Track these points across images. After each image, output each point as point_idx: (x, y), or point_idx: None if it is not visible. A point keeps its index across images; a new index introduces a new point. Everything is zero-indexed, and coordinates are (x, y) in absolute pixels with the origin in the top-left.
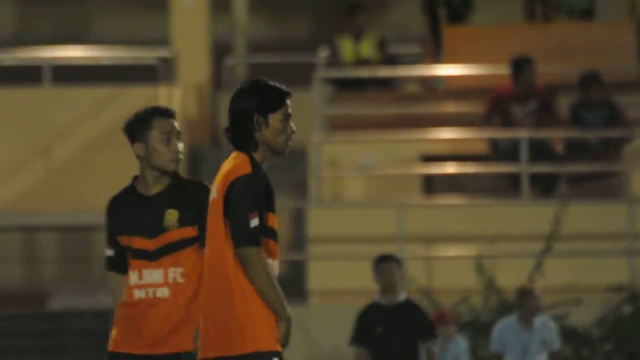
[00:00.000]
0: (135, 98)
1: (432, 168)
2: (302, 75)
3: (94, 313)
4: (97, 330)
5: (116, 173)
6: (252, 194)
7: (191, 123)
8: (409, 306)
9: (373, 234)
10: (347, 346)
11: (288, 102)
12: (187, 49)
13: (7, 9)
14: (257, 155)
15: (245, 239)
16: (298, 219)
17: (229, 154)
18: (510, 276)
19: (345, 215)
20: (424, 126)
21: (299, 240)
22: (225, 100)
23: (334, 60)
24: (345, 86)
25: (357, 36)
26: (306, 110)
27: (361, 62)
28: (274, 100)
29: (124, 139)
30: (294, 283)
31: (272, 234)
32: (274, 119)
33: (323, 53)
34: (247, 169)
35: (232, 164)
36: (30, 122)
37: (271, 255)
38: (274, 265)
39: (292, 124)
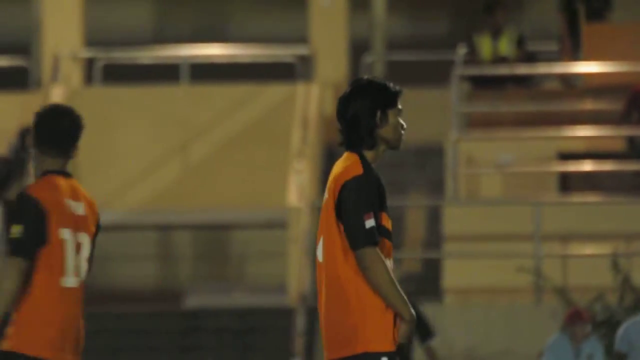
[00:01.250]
0: (273, 96)
1: (568, 166)
2: (439, 73)
3: (229, 311)
4: (233, 328)
5: (253, 171)
6: (366, 195)
7: (328, 121)
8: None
9: (509, 232)
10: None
11: (399, 99)
12: (325, 46)
13: (146, 7)
14: (372, 153)
15: (363, 240)
16: (434, 217)
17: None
18: None
19: (481, 213)
20: (561, 124)
21: (434, 238)
22: None
23: (472, 58)
24: (483, 84)
25: (495, 34)
26: (443, 107)
27: (499, 59)
28: (391, 96)
29: (261, 137)
30: (429, 281)
31: (386, 233)
32: (392, 115)
33: (461, 50)
34: (358, 170)
35: (344, 165)
36: (168, 120)
37: (387, 254)
38: (390, 264)
39: (402, 120)
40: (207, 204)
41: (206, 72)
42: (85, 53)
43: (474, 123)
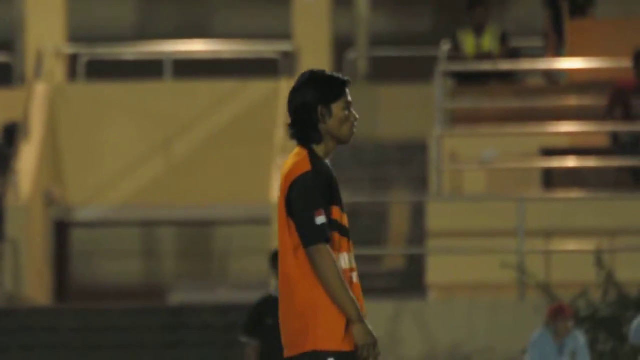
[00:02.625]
0: (257, 92)
1: (552, 162)
2: (423, 69)
3: (213, 307)
4: (216, 324)
5: (237, 167)
6: (315, 191)
7: None
8: None
9: (492, 228)
10: (239, 337)
11: (347, 90)
12: (309, 43)
13: (129, 3)
14: (321, 148)
15: (313, 237)
16: (417, 213)
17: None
18: (630, 270)
19: (465, 209)
20: (545, 120)
21: (418, 234)
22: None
23: (456, 54)
24: (467, 80)
25: (479, 30)
26: (427, 103)
27: (483, 55)
28: (335, 89)
29: (244, 134)
30: (413, 277)
31: (339, 227)
32: (337, 108)
33: (444, 47)
34: (307, 166)
35: (293, 162)
36: (152, 116)
37: (339, 249)
38: (344, 259)
39: (354, 112)
40: (190, 200)
41: (189, 68)
42: (69, 49)
43: (457, 119)
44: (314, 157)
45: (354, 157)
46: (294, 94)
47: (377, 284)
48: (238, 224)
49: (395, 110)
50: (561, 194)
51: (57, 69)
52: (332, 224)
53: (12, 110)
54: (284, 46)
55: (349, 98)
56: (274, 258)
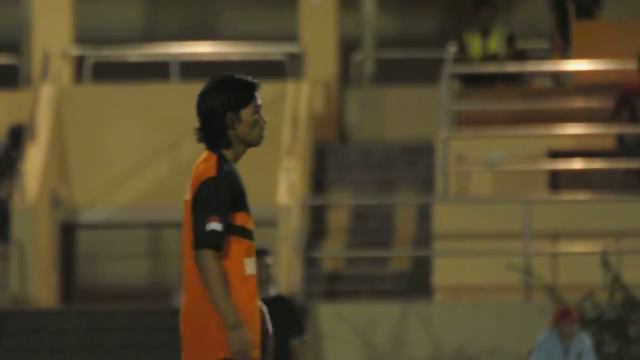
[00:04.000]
0: (263, 94)
1: (559, 164)
2: (429, 71)
3: None
4: None
5: (243, 169)
6: (216, 198)
7: (318, 119)
8: (281, 301)
9: (499, 230)
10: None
11: (257, 93)
12: (315, 44)
13: (136, 5)
14: (230, 152)
15: (201, 242)
16: (423, 215)
17: (355, 150)
18: (636, 272)
19: (471, 211)
20: (551, 122)
21: (424, 236)
22: (353, 96)
23: (462, 56)
24: (473, 82)
25: (485, 31)
26: (433, 105)
27: (489, 57)
28: (244, 94)
29: None
30: (419, 279)
31: (242, 233)
32: (246, 113)
33: (451, 48)
34: (212, 172)
35: (201, 166)
36: (158, 118)
37: (242, 254)
38: (248, 264)
39: (263, 115)
40: None
41: (196, 70)
42: (75, 51)
43: (464, 121)
44: (221, 163)
45: (360, 159)
46: (202, 99)
47: (384, 286)
48: None
49: (402, 112)
50: (567, 196)
51: (63, 71)
52: (236, 230)
53: (18, 112)
54: (290, 48)
55: (259, 101)
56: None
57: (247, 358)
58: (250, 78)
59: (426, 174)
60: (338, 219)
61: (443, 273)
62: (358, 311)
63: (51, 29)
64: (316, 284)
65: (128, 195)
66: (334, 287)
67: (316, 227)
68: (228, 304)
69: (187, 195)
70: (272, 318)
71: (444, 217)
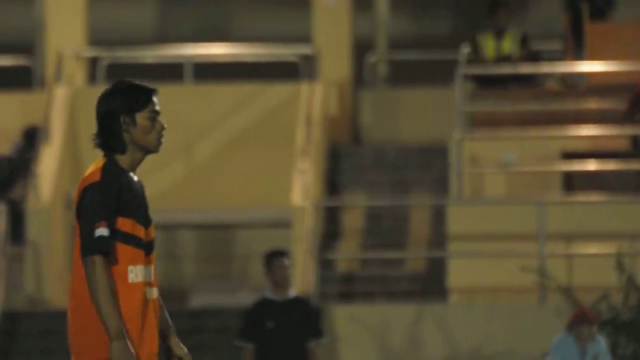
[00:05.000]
0: (277, 95)
1: (572, 165)
2: (443, 72)
3: (233, 311)
4: (237, 328)
5: (257, 171)
6: (99, 203)
7: (332, 120)
8: (300, 302)
9: (513, 231)
10: (235, 341)
11: (155, 99)
12: (329, 46)
13: (150, 6)
14: (126, 157)
15: (89, 248)
16: (438, 216)
17: (369, 151)
18: None
19: (485, 212)
20: (565, 123)
21: (438, 238)
22: (367, 98)
23: (475, 57)
24: (487, 83)
25: (499, 33)
26: (447, 107)
27: (502, 58)
28: (140, 98)
29: (265, 136)
30: (434, 281)
31: (127, 239)
32: (141, 117)
33: (464, 50)
34: (96, 177)
35: (89, 170)
36: (171, 120)
37: (127, 261)
38: (139, 271)
39: (161, 121)
40: (211, 204)
41: (210, 71)
42: (89, 52)
43: (477, 122)
44: (108, 168)
45: (374, 160)
46: (99, 102)
47: (398, 287)
48: (259, 227)
49: (415, 113)
50: (581, 197)
51: (77, 72)
52: (119, 236)
53: (32, 113)
54: (304, 49)
55: (157, 107)
56: (268, 260)
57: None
58: (147, 85)
59: (440, 175)
60: (352, 220)
61: (458, 274)
62: (372, 313)
63: (65, 30)
64: (331, 286)
65: None
66: (348, 288)
67: (330, 229)
68: (112, 313)
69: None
70: (290, 319)
71: (458, 219)
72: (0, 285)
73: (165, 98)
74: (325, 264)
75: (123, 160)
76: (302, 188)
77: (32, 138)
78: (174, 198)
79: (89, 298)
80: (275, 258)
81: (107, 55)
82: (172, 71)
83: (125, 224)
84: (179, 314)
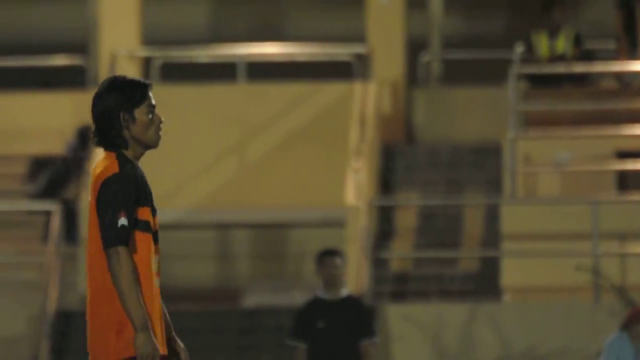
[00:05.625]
0: (330, 95)
1: (626, 164)
2: (496, 72)
3: (287, 310)
4: (290, 327)
5: (310, 170)
6: (121, 193)
7: (385, 119)
8: (352, 302)
9: (567, 231)
10: (287, 341)
11: (150, 93)
12: (383, 45)
13: (203, 6)
14: (129, 153)
15: (112, 239)
16: (491, 216)
17: (423, 150)
18: None
19: (539, 211)
20: (619, 122)
21: (492, 237)
22: (420, 97)
23: (529, 56)
24: (540, 82)
25: (553, 32)
26: (501, 106)
27: (556, 58)
28: (137, 94)
29: (318, 136)
30: (488, 280)
31: (147, 227)
32: (140, 113)
33: (518, 49)
34: (114, 168)
35: (102, 165)
36: (225, 119)
37: (148, 249)
38: (154, 261)
39: (158, 114)
40: (264, 203)
41: (263, 70)
42: (143, 52)
43: (531, 122)
44: (122, 160)
45: (428, 160)
46: (96, 101)
47: (452, 287)
48: (312, 227)
49: (469, 112)
50: (636, 196)
51: (130, 72)
52: (141, 225)
53: (85, 113)
54: (357, 48)
55: (153, 101)
56: (320, 259)
57: None
58: (141, 79)
59: (494, 174)
60: (406, 219)
61: (511, 274)
62: (426, 312)
63: (118, 30)
64: (384, 285)
65: (196, 196)
66: (402, 287)
67: (384, 228)
68: (139, 305)
69: (90, 197)
70: (342, 319)
71: (512, 218)
72: (54, 285)
73: (219, 98)
74: (378, 263)
75: (128, 154)
76: (356, 187)
77: (85, 137)
78: (227, 197)
79: (103, 296)
80: (327, 257)
81: (161, 55)
82: (225, 71)
83: (144, 213)
84: (232, 313)
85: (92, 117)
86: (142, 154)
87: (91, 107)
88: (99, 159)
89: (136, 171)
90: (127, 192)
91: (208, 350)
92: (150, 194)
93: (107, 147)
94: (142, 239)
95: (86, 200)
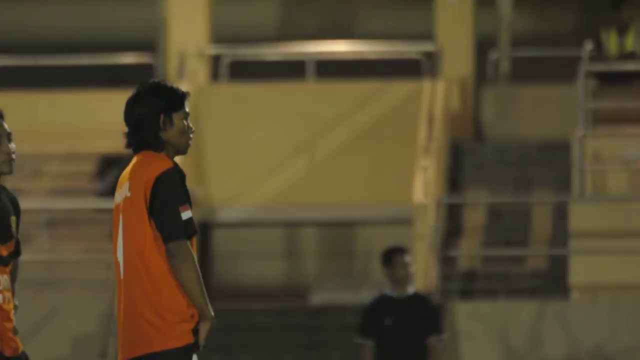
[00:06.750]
0: (399, 92)
1: None
2: (565, 69)
3: (355, 308)
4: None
5: (378, 168)
6: (180, 187)
7: (454, 117)
8: (419, 299)
9: (636, 228)
10: (354, 338)
11: (186, 102)
12: (451, 43)
13: (272, 4)
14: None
15: (178, 232)
16: (560, 213)
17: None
18: None
19: (608, 209)
20: None
21: (561, 235)
22: (489, 95)
23: (598, 54)
24: (610, 80)
25: (622, 29)
26: (570, 104)
27: (625, 55)
28: (177, 99)
29: (387, 134)
30: (556, 278)
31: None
32: (177, 118)
33: (587, 47)
34: (166, 164)
35: (149, 161)
36: (294, 117)
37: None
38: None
39: (191, 124)
40: (332, 201)
41: (332, 69)
42: (212, 50)
43: (600, 119)
44: (169, 157)
45: (497, 158)
46: (135, 102)
47: (520, 285)
48: (380, 225)
49: (538, 110)
50: None
51: (199, 70)
52: None
53: None
54: (426, 46)
55: (187, 110)
56: (388, 257)
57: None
58: (180, 87)
59: (562, 172)
60: (474, 217)
61: (580, 271)
62: (494, 310)
63: (187, 28)
64: (452, 283)
65: (264, 194)
66: (470, 285)
67: (452, 226)
68: (205, 295)
69: (128, 193)
70: (410, 316)
71: (580, 216)
72: None
73: (287, 96)
74: (446, 261)
75: None
76: (424, 185)
77: None
78: (296, 195)
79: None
80: (395, 255)
81: (230, 53)
82: (294, 69)
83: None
84: (300, 311)
85: (126, 120)
86: (172, 159)
87: (126, 110)
88: (139, 159)
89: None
90: (183, 187)
91: (275, 348)
92: (189, 194)
93: (142, 149)
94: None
95: None
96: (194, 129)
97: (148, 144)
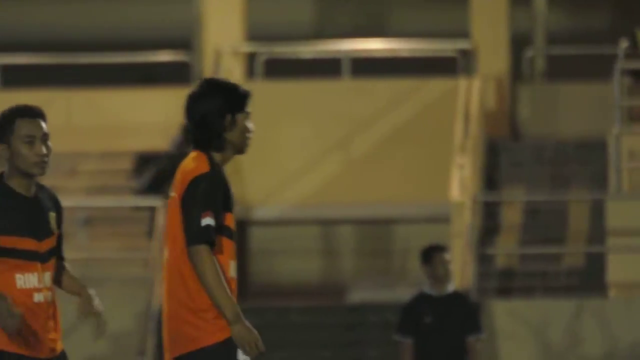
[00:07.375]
0: (435, 90)
1: None
2: (601, 67)
3: (393, 306)
4: (396, 323)
5: (415, 166)
6: (209, 193)
7: (490, 115)
8: (458, 297)
9: None
10: (393, 336)
11: (248, 102)
12: (487, 40)
13: (307, 2)
14: (220, 155)
15: (196, 237)
16: (597, 211)
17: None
18: None
19: None
20: None
21: (597, 233)
22: (525, 92)
23: (634, 52)
24: None
25: None
26: (605, 101)
27: None
28: (242, 99)
29: (423, 131)
30: (593, 276)
31: (231, 234)
32: (241, 118)
33: (623, 44)
34: (205, 167)
35: (192, 163)
36: (329, 115)
37: (229, 255)
38: (233, 266)
39: (251, 125)
40: (369, 199)
41: (367, 66)
42: (247, 47)
43: (636, 117)
44: (213, 162)
45: (533, 155)
46: (199, 100)
47: (557, 282)
48: (417, 222)
49: (574, 108)
50: None
51: (235, 68)
52: (225, 230)
53: None
54: (462, 44)
55: (249, 110)
56: (428, 255)
57: (258, 346)
58: (244, 87)
59: (599, 169)
60: (511, 215)
61: (617, 269)
62: (531, 308)
63: (223, 26)
64: (489, 281)
65: (300, 192)
66: (507, 283)
67: (489, 224)
68: (227, 297)
69: (173, 192)
70: (449, 314)
71: (617, 213)
72: (160, 280)
73: (323, 93)
74: (484, 259)
75: (217, 157)
76: (461, 183)
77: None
78: (332, 193)
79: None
80: (435, 253)
81: (265, 51)
82: (329, 66)
83: (230, 219)
84: (337, 309)
85: (188, 117)
86: (229, 159)
87: (188, 106)
88: (188, 157)
89: (224, 175)
90: (215, 193)
91: (313, 346)
92: (233, 200)
93: (203, 148)
94: (226, 245)
95: None
96: (253, 129)
97: (209, 142)
